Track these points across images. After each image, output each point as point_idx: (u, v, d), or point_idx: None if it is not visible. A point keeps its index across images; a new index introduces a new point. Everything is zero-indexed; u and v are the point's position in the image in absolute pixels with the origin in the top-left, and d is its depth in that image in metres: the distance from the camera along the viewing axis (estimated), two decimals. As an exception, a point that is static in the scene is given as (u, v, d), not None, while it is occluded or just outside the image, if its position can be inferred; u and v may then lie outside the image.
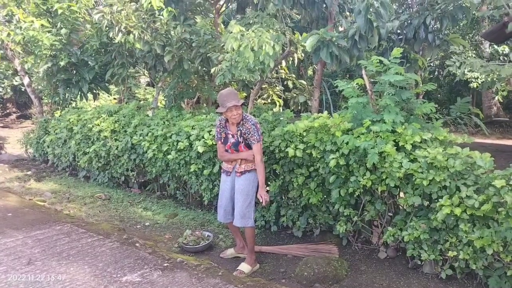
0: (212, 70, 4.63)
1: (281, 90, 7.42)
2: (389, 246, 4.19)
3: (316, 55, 4.31)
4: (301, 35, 5.67)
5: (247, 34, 4.16)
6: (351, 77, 10.04)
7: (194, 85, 6.39)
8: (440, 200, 3.49)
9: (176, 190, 5.95)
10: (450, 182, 3.50)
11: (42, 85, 8.19)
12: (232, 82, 5.52)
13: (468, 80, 12.11)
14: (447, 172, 3.51)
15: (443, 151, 3.61)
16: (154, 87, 13.59)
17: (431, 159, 3.55)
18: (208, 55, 5.51)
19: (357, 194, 4.01)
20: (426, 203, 3.68)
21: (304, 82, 6.64)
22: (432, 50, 4.77)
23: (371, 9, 3.95)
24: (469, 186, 3.46)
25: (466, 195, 3.39)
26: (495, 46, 12.88)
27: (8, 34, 7.20)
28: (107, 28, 6.12)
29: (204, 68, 5.94)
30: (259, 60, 4.34)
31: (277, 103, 7.39)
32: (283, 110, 6.32)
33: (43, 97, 8.77)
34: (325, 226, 4.58)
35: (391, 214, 4.11)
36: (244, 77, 4.43)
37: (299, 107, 6.71)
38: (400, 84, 3.81)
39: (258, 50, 4.26)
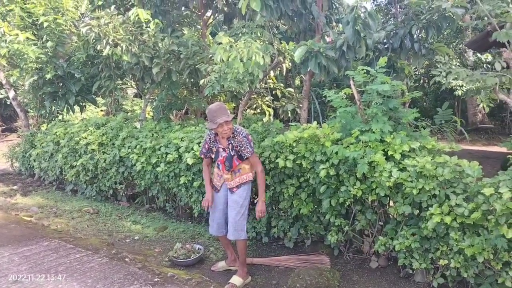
0: (201, 81, 4.62)
1: (270, 100, 7.45)
2: (380, 256, 4.19)
3: (304, 66, 4.33)
4: (287, 44, 5.73)
5: (236, 45, 4.17)
6: (338, 87, 10.13)
7: (182, 97, 6.37)
8: (430, 208, 3.50)
9: (166, 202, 5.90)
10: (439, 191, 3.52)
11: (28, 98, 8.10)
12: (221, 93, 5.50)
13: (453, 88, 12.31)
14: (436, 181, 3.54)
15: (431, 159, 3.63)
16: (141, 99, 13.56)
17: (420, 168, 3.58)
18: (196, 66, 5.50)
19: (347, 204, 4.02)
20: (416, 211, 3.70)
21: (292, 90, 6.68)
22: (418, 59, 4.83)
23: (359, 20, 4.00)
24: (458, 194, 3.48)
25: (456, 204, 3.41)
26: (479, 55, 13.12)
27: (-7, 47, 7.12)
28: (94, 41, 6.09)
29: (192, 80, 5.93)
30: (248, 71, 4.34)
31: (267, 113, 7.40)
32: (273, 119, 6.32)
33: (29, 110, 8.67)
34: (316, 236, 4.57)
35: (382, 223, 4.12)
36: (233, 88, 4.42)
37: (289, 116, 6.73)
38: (387, 93, 3.84)
39: (247, 61, 4.26)
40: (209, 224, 5.19)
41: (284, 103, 6.60)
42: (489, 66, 13.38)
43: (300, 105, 6.59)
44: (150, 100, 7.89)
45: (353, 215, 4.16)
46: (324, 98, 4.85)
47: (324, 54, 4.23)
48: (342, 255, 4.41)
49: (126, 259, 4.08)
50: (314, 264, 4.22)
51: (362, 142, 3.85)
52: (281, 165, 4.19)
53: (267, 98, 7.51)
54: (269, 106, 7.59)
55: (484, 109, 14.47)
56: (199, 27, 7.68)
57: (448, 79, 4.42)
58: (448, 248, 3.55)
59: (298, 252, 4.59)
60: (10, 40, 6.88)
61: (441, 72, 4.49)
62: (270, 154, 4.33)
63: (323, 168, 3.96)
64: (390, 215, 4.09)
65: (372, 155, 3.71)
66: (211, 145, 3.91)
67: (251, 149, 3.82)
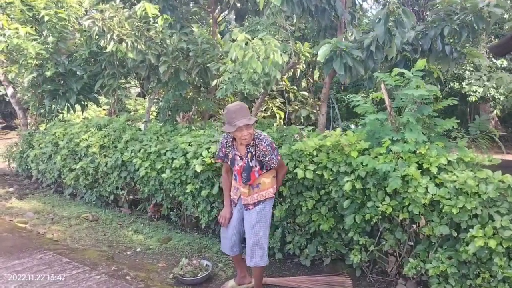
0: (214, 82, 4.23)
1: (281, 103, 7.05)
2: (408, 279, 3.79)
3: (327, 66, 3.93)
4: (302, 45, 5.33)
5: (253, 42, 3.77)
6: (356, 92, 9.72)
7: (189, 98, 5.98)
8: (470, 230, 3.10)
9: (170, 211, 5.50)
10: (481, 210, 3.12)
11: (27, 96, 7.72)
12: (230, 95, 5.11)
13: (467, 93, 11.90)
14: (479, 199, 3.14)
15: (473, 175, 3.23)
16: (145, 98, 13.17)
17: (460, 184, 3.17)
18: (207, 65, 5.11)
19: (374, 222, 3.61)
20: (453, 232, 3.29)
21: (306, 94, 6.27)
22: (448, 62, 4.43)
23: (391, 17, 3.61)
24: (503, 214, 3.08)
25: (501, 225, 3.02)
26: (494, 60, 12.71)
27: (-9, 42, 6.74)
28: (97, 36, 5.70)
29: (201, 80, 5.55)
30: (265, 71, 3.95)
31: (278, 116, 7.01)
32: (285, 124, 5.93)
33: (29, 108, 8.28)
34: (336, 254, 4.16)
35: (411, 244, 3.71)
36: (248, 90, 4.02)
37: (301, 121, 6.33)
38: (423, 100, 3.44)
39: (264, 61, 3.87)
40: (217, 237, 4.81)
41: (297, 108, 6.21)
42: (503, 71, 12.99)
43: (315, 111, 6.21)
44: (155, 100, 7.51)
45: (379, 233, 3.75)
46: (341, 103, 4.45)
47: (350, 54, 3.83)
48: (365, 276, 4.00)
49: (127, 277, 3.69)
50: (335, 286, 3.82)
51: (394, 153, 3.45)
52: (300, 175, 3.78)
53: (277, 100, 7.12)
54: (279, 109, 7.20)
55: (497, 116, 14.07)
56: (207, 24, 7.29)
57: (491, 84, 4.00)
58: (491, 275, 3.15)
59: (315, 271, 4.19)
60: (9, 35, 6.51)
61: (481, 77, 4.06)
62: (288, 164, 3.93)
63: (348, 181, 3.56)
64: (420, 235, 3.69)
65: (406, 168, 3.31)
66: (227, 150, 3.45)
67: (276, 158, 3.38)
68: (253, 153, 3.36)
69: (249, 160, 3.36)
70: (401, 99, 3.52)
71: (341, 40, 3.75)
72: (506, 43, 7.43)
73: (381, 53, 3.96)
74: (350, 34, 4.55)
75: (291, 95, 6.36)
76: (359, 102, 3.63)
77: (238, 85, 4.06)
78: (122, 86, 6.55)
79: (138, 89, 14.36)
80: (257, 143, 3.33)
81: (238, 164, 3.40)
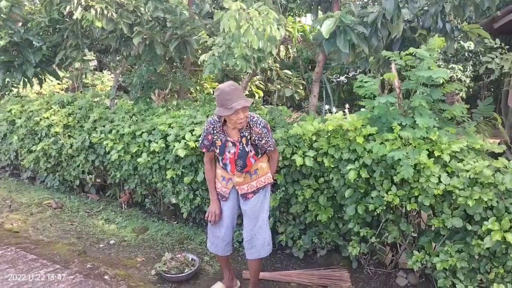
0: (202, 57, 3.77)
1: (261, 81, 6.65)
2: (410, 271, 3.59)
3: (328, 43, 3.57)
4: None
5: (249, 12, 3.34)
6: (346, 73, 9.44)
7: (164, 73, 5.45)
8: (485, 223, 2.91)
9: (145, 198, 5.04)
10: (497, 202, 2.92)
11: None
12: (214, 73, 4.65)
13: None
14: (495, 190, 2.94)
15: (488, 164, 3.02)
16: (102, 72, 12.32)
17: (475, 173, 2.96)
18: (187, 38, 4.61)
19: (378, 212, 3.35)
20: (467, 225, 3.09)
21: (289, 73, 5.90)
22: (449, 42, 4.19)
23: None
24: (519, 206, 2.91)
25: (518, 218, 2.84)
26: (462, 42, 12.79)
27: None
28: (59, 2, 5.04)
29: (179, 54, 5.03)
30: (259, 46, 3.54)
31: (256, 95, 6.61)
32: (263, 104, 5.54)
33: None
34: (331, 245, 3.91)
35: (414, 235, 3.49)
36: (239, 67, 3.60)
37: (284, 102, 5.99)
38: (436, 82, 3.17)
39: (259, 34, 3.46)
40: (199, 227, 4.45)
41: (280, 87, 5.84)
42: (471, 54, 13.15)
43: (298, 90, 5.88)
44: (121, 76, 6.89)
45: (381, 224, 3.51)
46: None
47: (354, 30, 3.49)
48: (362, 268, 3.78)
49: (106, 277, 3.26)
50: (332, 280, 3.57)
51: (403, 139, 3.17)
52: (299, 163, 3.45)
53: (256, 78, 6.70)
54: (258, 88, 6.80)
55: (461, 99, 14.29)
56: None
57: (508, 65, 3.78)
58: (505, 271, 2.98)
59: (308, 263, 3.92)
60: (-47, -4, 5.65)
61: (496, 57, 3.83)
62: (284, 150, 3.58)
63: (352, 169, 3.27)
64: (426, 225, 3.48)
65: (417, 155, 3.05)
66: (215, 137, 3.04)
67: (272, 141, 3.09)
68: (248, 137, 3.00)
69: (244, 145, 3.00)
70: (412, 81, 3.22)
71: (345, 14, 3.40)
72: (487, 25, 7.34)
73: (386, 30, 3.65)
74: (346, 8, 4.19)
75: (273, 73, 5.96)
76: (367, 84, 3.30)
77: (229, 61, 3.62)
78: (86, 58, 5.90)
79: (95, 62, 13.41)
80: (251, 126, 2.99)
81: (230, 152, 3.02)
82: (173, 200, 4.47)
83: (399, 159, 3.00)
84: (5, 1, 5.91)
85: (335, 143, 3.41)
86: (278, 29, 3.48)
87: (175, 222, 4.76)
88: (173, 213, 4.93)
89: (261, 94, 6.78)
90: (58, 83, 11.90)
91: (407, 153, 3.05)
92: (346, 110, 7.37)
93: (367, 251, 3.67)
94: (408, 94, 3.50)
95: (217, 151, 3.06)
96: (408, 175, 2.99)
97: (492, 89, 13.43)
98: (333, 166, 3.45)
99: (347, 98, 12.65)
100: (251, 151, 3.02)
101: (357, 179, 3.31)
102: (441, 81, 3.22)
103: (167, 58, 5.37)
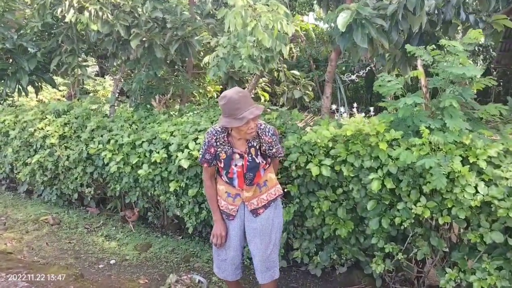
0: (205, 59, 3.44)
1: (267, 83, 6.31)
2: (440, 290, 3.24)
3: (344, 38, 3.23)
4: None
5: (256, 8, 3.01)
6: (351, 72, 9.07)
7: (165, 77, 5.12)
8: (529, 237, 2.56)
9: (147, 211, 4.72)
10: (543, 214, 2.57)
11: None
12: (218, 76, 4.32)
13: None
14: (540, 200, 2.59)
15: (531, 170, 2.66)
16: (104, 77, 12.02)
17: (517, 182, 2.61)
18: (189, 39, 4.29)
19: (405, 226, 3.00)
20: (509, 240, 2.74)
21: (298, 73, 5.56)
22: (473, 36, 3.83)
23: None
24: None
25: None
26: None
27: None
28: (51, 5, 4.74)
29: (180, 56, 4.72)
30: (268, 45, 3.21)
31: (262, 98, 6.28)
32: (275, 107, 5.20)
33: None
34: (351, 262, 3.56)
35: (446, 250, 3.14)
36: (246, 69, 3.27)
37: (293, 104, 5.63)
38: (468, 80, 2.83)
39: (268, 32, 3.13)
40: (205, 241, 4.16)
41: (288, 89, 5.49)
42: (481, 48, 12.81)
43: (308, 91, 5.53)
44: (121, 81, 6.59)
45: (408, 239, 3.15)
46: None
47: (373, 23, 3.15)
48: (386, 286, 3.43)
49: (104, 306, 2.93)
50: (355, 301, 3.23)
51: (432, 144, 2.83)
52: (315, 173, 3.11)
53: (262, 80, 6.36)
54: (264, 90, 6.46)
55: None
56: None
57: None
58: (555, 291, 2.63)
59: (327, 281, 3.59)
60: None
61: None
62: (298, 158, 3.24)
63: (375, 179, 2.93)
64: (457, 239, 3.13)
65: (449, 162, 2.70)
66: (218, 150, 2.69)
67: (282, 149, 2.81)
68: (257, 147, 2.67)
69: (253, 156, 2.67)
70: (441, 78, 2.88)
71: (362, 5, 3.07)
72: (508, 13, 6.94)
73: (406, 23, 3.30)
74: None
75: (280, 74, 5.62)
76: (392, 82, 2.96)
77: (235, 62, 3.29)
78: (84, 64, 5.59)
79: (96, 68, 13.10)
80: (260, 135, 2.67)
81: (237, 165, 2.68)
82: (180, 214, 4.15)
83: (430, 167, 2.65)
84: (-4, 6, 5.62)
85: (355, 149, 3.07)
86: (288, 24, 3.15)
87: (180, 237, 4.43)
88: (177, 226, 4.61)
89: (267, 96, 6.45)
90: (60, 90, 11.63)
91: (438, 160, 2.70)
92: (354, 110, 7.03)
93: (392, 268, 3.32)
94: (433, 93, 3.15)
95: (221, 165, 2.72)
96: (441, 185, 2.64)
97: (502, 84, 13.00)
98: (352, 175, 3.11)
99: (353, 97, 12.30)
100: (261, 162, 2.70)
101: (381, 189, 2.97)
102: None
103: (168, 62, 5.05)
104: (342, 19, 3.01)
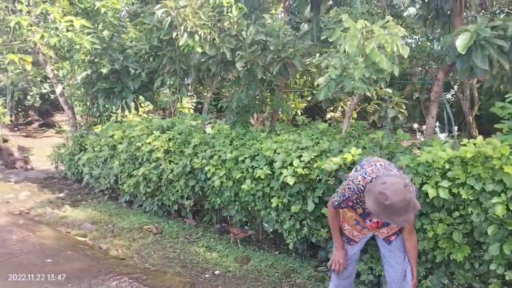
0: (319, 80, 3.56)
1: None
2: None
3: (461, 60, 3.21)
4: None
5: (374, 30, 3.08)
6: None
7: (262, 97, 5.33)
8: None
9: (245, 224, 4.88)
10: None
11: (78, 93, 7.23)
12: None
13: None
14: None
15: None
16: (191, 97, 12.60)
17: None
18: (292, 60, 4.45)
19: (530, 253, 2.88)
20: None
21: (390, 91, 5.53)
22: None
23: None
24: None
25: None
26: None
27: (42, 37, 6.27)
28: (160, 29, 5.13)
29: (279, 77, 4.90)
30: (378, 66, 3.26)
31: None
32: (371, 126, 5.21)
33: (80, 105, 7.76)
34: (463, 287, 3.45)
35: None
36: (358, 90, 3.34)
37: (385, 124, 5.61)
38: None
39: (383, 53, 3.19)
40: (303, 258, 4.25)
41: (380, 107, 5.49)
42: None
43: (401, 110, 5.48)
44: (211, 99, 6.93)
45: (533, 267, 3.01)
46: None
47: (493, 44, 3.10)
48: (504, 316, 3.27)
49: (223, 314, 3.07)
50: (471, 330, 3.11)
51: None
52: (432, 195, 3.08)
53: (350, 98, 6.39)
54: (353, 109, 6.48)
55: None
56: (272, 13, 6.63)
57: None
58: None
59: (436, 306, 3.48)
60: (62, 28, 6.01)
61: None
62: (412, 179, 3.23)
63: (498, 203, 2.85)
64: None
65: None
66: (357, 206, 2.68)
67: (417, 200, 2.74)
68: None
69: None
70: None
71: (483, 27, 3.04)
72: None
73: (529, 44, 3.21)
74: (470, 21, 3.80)
75: (373, 92, 5.62)
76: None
77: (346, 83, 3.37)
78: (183, 83, 5.97)
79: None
80: None
81: (371, 220, 2.75)
82: (279, 229, 4.25)
83: None
84: (107, 31, 6.18)
85: (475, 172, 3.00)
86: (404, 47, 3.18)
87: (277, 252, 4.53)
88: (273, 241, 4.72)
89: (355, 115, 6.48)
90: (141, 107, 12.37)
91: None
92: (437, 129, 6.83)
93: (512, 297, 3.17)
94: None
95: (357, 213, 2.76)
96: None
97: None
98: (472, 198, 3.04)
99: (438, 115, 11.86)
100: None
101: (504, 214, 2.87)
102: None
103: (265, 82, 5.26)
104: (462, 41, 3.00)
